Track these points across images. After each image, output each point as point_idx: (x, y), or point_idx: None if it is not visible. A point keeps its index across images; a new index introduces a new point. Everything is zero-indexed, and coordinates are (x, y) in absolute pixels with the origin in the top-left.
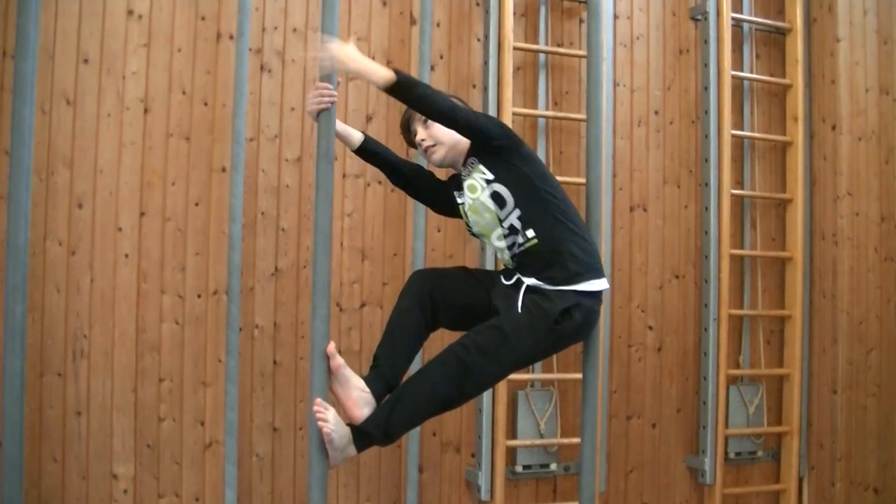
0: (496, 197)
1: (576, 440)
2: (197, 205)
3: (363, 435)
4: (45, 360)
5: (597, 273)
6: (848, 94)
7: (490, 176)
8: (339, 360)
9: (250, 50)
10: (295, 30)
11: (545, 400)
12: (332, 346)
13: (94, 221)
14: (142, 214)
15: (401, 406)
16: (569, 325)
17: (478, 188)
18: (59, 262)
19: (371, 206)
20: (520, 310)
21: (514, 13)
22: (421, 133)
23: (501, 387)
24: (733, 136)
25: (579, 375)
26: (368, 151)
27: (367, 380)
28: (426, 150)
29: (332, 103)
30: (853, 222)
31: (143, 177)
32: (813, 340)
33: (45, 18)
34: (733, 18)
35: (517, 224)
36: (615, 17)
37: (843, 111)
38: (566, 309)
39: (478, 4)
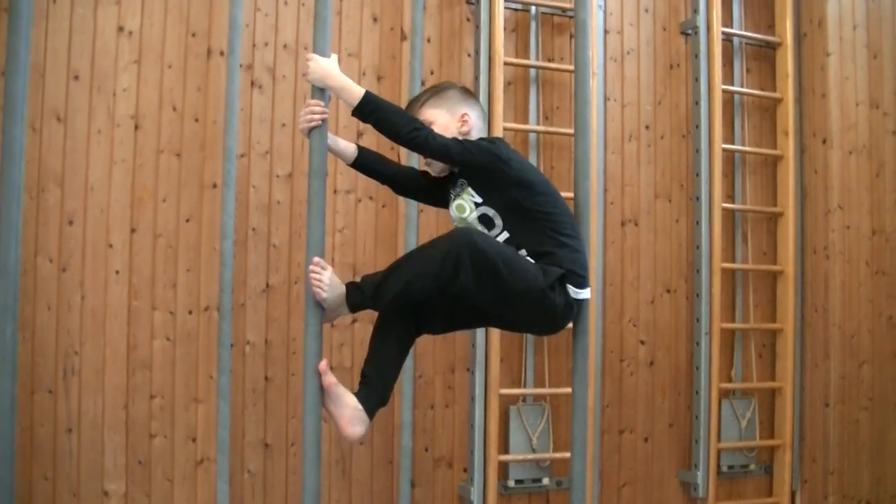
0: (484, 219)
1: (568, 455)
2: (188, 221)
3: (355, 288)
4: (36, 378)
5: (583, 283)
6: (838, 109)
7: (479, 199)
8: (331, 378)
9: (241, 66)
10: (286, 46)
11: (537, 415)
12: (324, 364)
13: (85, 238)
14: (132, 231)
15: (397, 272)
16: (556, 301)
17: (466, 209)
18: (50, 280)
19: (362, 222)
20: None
21: (505, 28)
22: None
23: (493, 402)
24: (724, 150)
25: (571, 390)
26: (364, 165)
27: (360, 397)
28: (425, 161)
29: (322, 120)
30: (844, 236)
31: (134, 194)
32: (805, 354)
33: (36, 36)
34: (724, 33)
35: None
36: (605, 32)
37: (834, 125)
38: (562, 280)
39: (468, 20)
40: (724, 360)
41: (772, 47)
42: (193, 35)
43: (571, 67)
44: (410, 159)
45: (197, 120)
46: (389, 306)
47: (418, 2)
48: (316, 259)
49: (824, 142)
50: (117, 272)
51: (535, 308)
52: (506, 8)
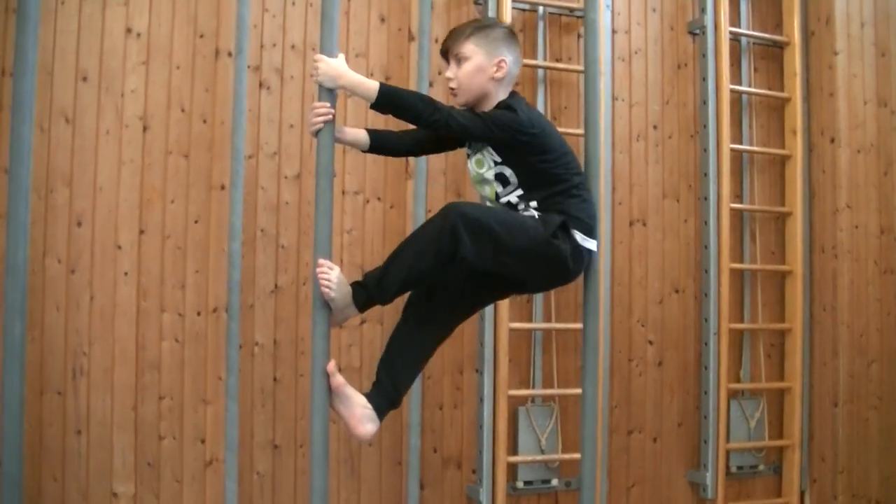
0: (500, 177)
1: (577, 456)
2: (196, 222)
3: (361, 288)
4: (45, 379)
5: (591, 233)
6: (846, 107)
7: (498, 158)
8: (339, 379)
9: (249, 67)
10: (293, 47)
11: (546, 415)
12: (332, 365)
13: (94, 239)
14: (141, 232)
15: (398, 258)
16: (562, 247)
17: (485, 165)
18: (59, 280)
19: (370, 222)
20: (528, 216)
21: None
22: (451, 70)
23: (502, 403)
24: (732, 149)
25: (580, 390)
26: (380, 147)
27: (369, 397)
28: (451, 89)
29: (327, 121)
30: (853, 235)
31: (143, 194)
32: (813, 353)
33: (44, 36)
34: (731, 32)
35: (516, 201)
36: (613, 31)
37: (842, 124)
38: (564, 226)
39: None
40: (732, 360)
41: (779, 46)
42: (201, 36)
43: (579, 67)
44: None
45: (205, 121)
46: (396, 296)
47: (426, 2)
48: (322, 260)
49: (832, 141)
50: (126, 273)
51: (542, 259)
52: (513, 8)
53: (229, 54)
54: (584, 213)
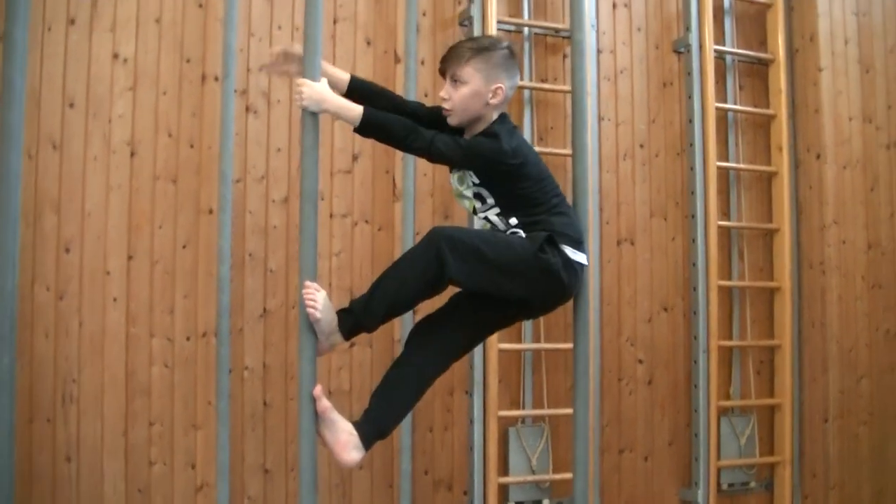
0: (478, 196)
1: (568, 475)
2: (185, 247)
3: (346, 314)
4: (35, 406)
5: (580, 246)
6: (832, 124)
7: (477, 181)
8: (325, 403)
9: (236, 91)
10: None
11: (536, 436)
12: (318, 389)
13: (82, 265)
14: (129, 258)
15: (383, 284)
16: (551, 260)
17: (465, 182)
18: (48, 307)
19: (359, 245)
20: (513, 235)
21: None
22: (446, 90)
23: (492, 424)
24: (719, 167)
25: (570, 410)
26: (357, 95)
27: (356, 425)
28: (445, 107)
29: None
30: (840, 251)
31: (131, 220)
32: (803, 369)
33: (32, 63)
34: (716, 51)
35: (493, 218)
36: (599, 51)
37: (828, 140)
38: (552, 241)
39: None
40: (722, 378)
41: (764, 64)
42: (188, 61)
43: (565, 87)
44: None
45: (192, 145)
46: (382, 322)
47: (411, 24)
48: (308, 282)
49: (818, 157)
50: (115, 299)
51: (533, 273)
52: (499, 29)
53: (216, 79)
54: (570, 228)
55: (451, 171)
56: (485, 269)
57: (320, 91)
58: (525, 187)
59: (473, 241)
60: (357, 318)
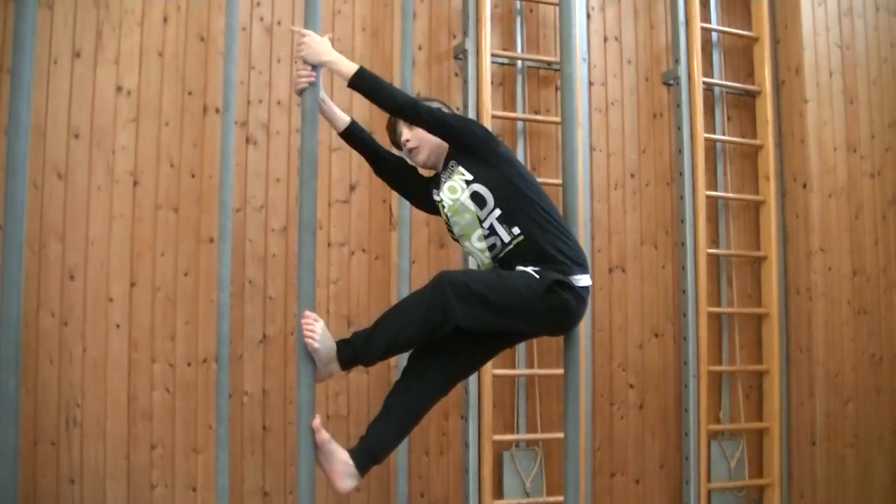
0: (476, 197)
1: (561, 498)
2: (186, 275)
3: (345, 344)
4: (39, 429)
5: (583, 269)
6: (817, 153)
7: (469, 177)
8: (324, 435)
9: (236, 123)
10: (279, 102)
11: (530, 459)
12: (317, 421)
13: (86, 292)
14: (132, 285)
15: (386, 323)
16: (560, 301)
17: (458, 189)
18: (52, 333)
19: (356, 273)
20: (520, 273)
21: (492, 82)
22: (406, 134)
23: (487, 448)
24: (708, 196)
25: (563, 434)
26: (355, 137)
27: (352, 453)
28: (410, 150)
29: (310, 81)
30: (826, 277)
31: (133, 248)
32: (791, 394)
33: (37, 96)
34: (704, 83)
35: (497, 225)
36: (590, 83)
37: (813, 169)
38: (561, 282)
39: (456, 74)
40: (711, 402)
41: (751, 95)
42: (190, 93)
43: (558, 119)
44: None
45: (193, 175)
46: (380, 359)
47: (407, 57)
48: (307, 312)
49: (804, 186)
50: (118, 325)
51: (541, 314)
52: (493, 62)
53: (217, 111)
54: (576, 252)
55: (438, 193)
56: (490, 314)
57: (319, 43)
58: (517, 175)
59: (479, 288)
60: (356, 352)
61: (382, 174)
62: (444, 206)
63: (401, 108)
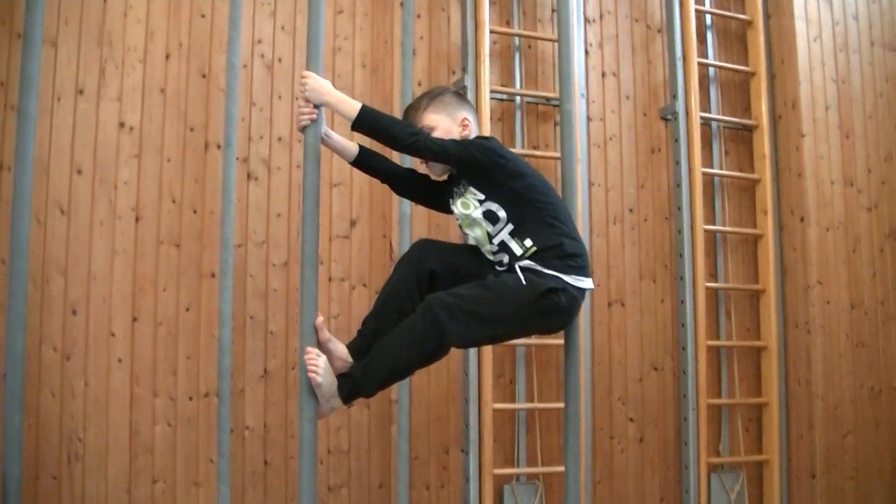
0: (489, 214)
1: None
2: (187, 310)
3: (346, 378)
4: (41, 464)
5: (585, 271)
6: (814, 187)
7: (482, 196)
8: (326, 334)
9: (237, 159)
10: (280, 139)
11: (531, 493)
12: (320, 320)
13: (88, 327)
14: (134, 320)
15: (382, 351)
16: (552, 304)
17: (471, 206)
18: (54, 368)
19: (357, 308)
20: (510, 278)
21: (491, 118)
22: None
23: (487, 482)
24: (706, 230)
25: (563, 468)
26: (366, 164)
27: (351, 347)
28: (426, 164)
29: (312, 119)
30: (824, 310)
31: (135, 283)
32: (790, 426)
33: (41, 131)
34: (702, 117)
35: (508, 240)
36: (588, 119)
37: (811, 203)
38: (554, 288)
39: None
40: (711, 435)
41: (748, 130)
42: (191, 129)
43: (556, 154)
44: (403, 163)
45: (195, 211)
46: (380, 389)
47: (407, 93)
48: (309, 348)
49: (802, 220)
50: (119, 360)
51: (533, 317)
52: (492, 98)
53: (218, 147)
54: (581, 254)
55: (452, 203)
56: (483, 329)
57: (323, 84)
58: (527, 186)
59: (469, 306)
60: (356, 385)
61: (401, 192)
62: (457, 218)
63: (403, 147)
